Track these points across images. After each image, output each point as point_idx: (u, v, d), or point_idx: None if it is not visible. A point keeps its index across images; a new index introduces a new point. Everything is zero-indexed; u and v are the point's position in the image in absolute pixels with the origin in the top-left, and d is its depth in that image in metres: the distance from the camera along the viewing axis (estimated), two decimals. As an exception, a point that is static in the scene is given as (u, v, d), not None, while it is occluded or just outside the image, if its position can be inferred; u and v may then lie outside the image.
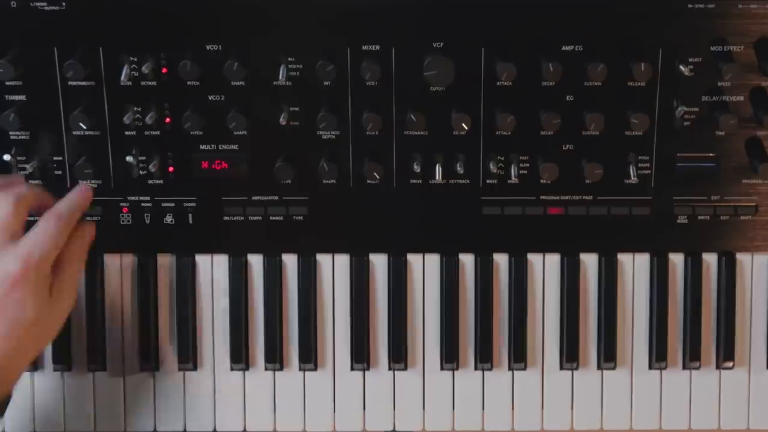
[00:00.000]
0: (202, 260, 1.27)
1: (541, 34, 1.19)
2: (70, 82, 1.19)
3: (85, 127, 1.19)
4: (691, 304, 1.27)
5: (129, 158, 1.22)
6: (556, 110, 1.19)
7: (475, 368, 1.28)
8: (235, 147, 1.22)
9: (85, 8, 1.18)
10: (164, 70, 1.20)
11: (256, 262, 1.27)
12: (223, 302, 1.27)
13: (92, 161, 1.21)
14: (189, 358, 1.27)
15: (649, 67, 1.16)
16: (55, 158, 1.22)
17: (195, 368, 1.28)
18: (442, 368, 1.28)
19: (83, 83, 1.20)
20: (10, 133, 1.21)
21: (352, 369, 1.28)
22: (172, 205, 1.24)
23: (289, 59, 1.19)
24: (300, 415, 1.29)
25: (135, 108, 1.21)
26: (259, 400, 1.28)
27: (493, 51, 1.19)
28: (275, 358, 1.27)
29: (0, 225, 1.08)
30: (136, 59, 1.19)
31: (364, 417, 1.29)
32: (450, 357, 1.27)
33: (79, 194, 1.18)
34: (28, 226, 1.12)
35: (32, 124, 1.21)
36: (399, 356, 1.27)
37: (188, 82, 1.19)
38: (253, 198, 1.24)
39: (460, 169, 1.22)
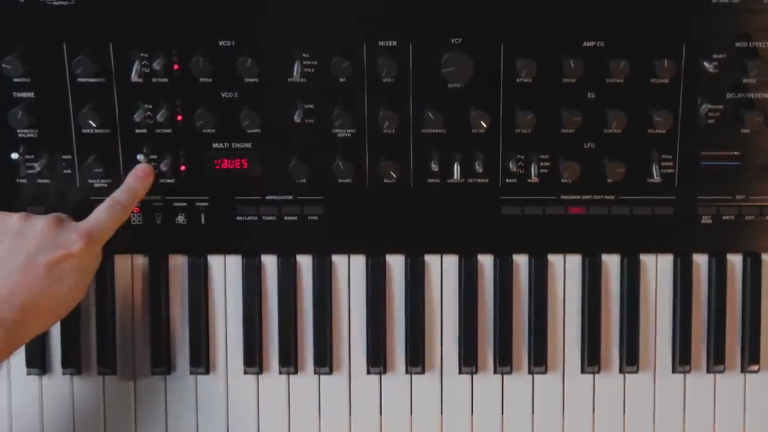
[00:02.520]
0: (214, 261, 1.26)
1: (562, 30, 1.18)
2: (79, 79, 1.18)
3: (94, 125, 1.18)
4: (715, 306, 1.26)
5: (140, 157, 1.21)
6: (577, 108, 1.18)
7: (495, 372, 1.27)
8: (248, 145, 1.21)
9: (95, 3, 1.16)
10: (176, 67, 1.18)
11: (269, 263, 1.25)
12: (236, 304, 1.26)
13: (102, 160, 1.20)
14: (201, 361, 1.25)
15: (673, 63, 1.15)
16: (63, 157, 1.21)
17: (207, 372, 1.26)
18: (460, 372, 1.27)
19: (93, 80, 1.18)
20: (18, 131, 1.19)
21: (369, 373, 1.27)
22: (184, 204, 1.23)
23: (304, 55, 1.18)
24: (315, 420, 1.27)
25: (146, 105, 1.19)
26: (272, 405, 1.27)
27: (513, 47, 1.18)
28: (290, 362, 1.26)
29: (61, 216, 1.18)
30: (146, 55, 1.18)
31: (380, 422, 1.27)
32: (469, 360, 1.25)
33: (136, 179, 1.19)
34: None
35: (41, 122, 1.19)
36: (416, 359, 1.26)
37: (200, 79, 1.18)
38: (267, 197, 1.23)
39: (478, 168, 1.21)
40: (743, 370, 1.27)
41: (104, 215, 1.15)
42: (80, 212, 1.20)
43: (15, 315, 1.08)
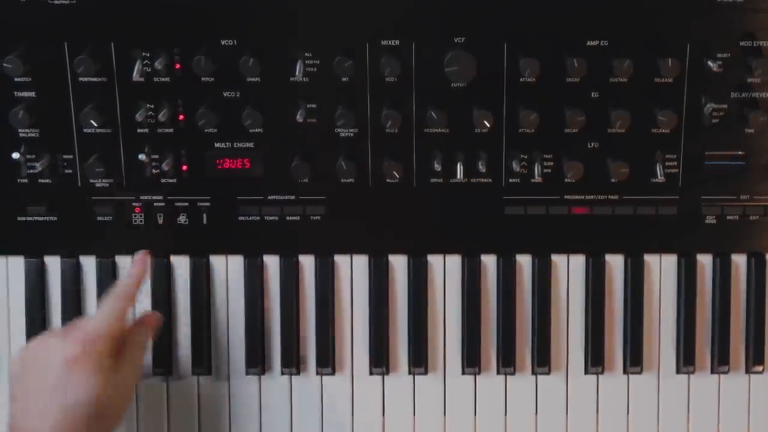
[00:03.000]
0: (216, 261, 1.25)
1: (566, 29, 1.17)
2: (80, 78, 1.17)
3: (96, 125, 1.17)
4: (719, 307, 1.25)
5: (141, 156, 1.20)
6: (581, 107, 1.17)
7: (498, 372, 1.26)
8: (250, 145, 1.20)
9: (96, 2, 1.16)
10: (178, 66, 1.18)
11: (272, 263, 1.25)
12: (238, 305, 1.25)
13: (104, 160, 1.19)
14: (203, 362, 1.25)
15: (677, 63, 1.15)
16: (65, 156, 1.20)
17: (210, 373, 1.26)
18: (463, 372, 1.26)
19: (94, 79, 1.17)
20: (20, 130, 1.19)
21: (371, 373, 1.26)
22: (186, 204, 1.22)
23: (306, 54, 1.17)
24: (317, 421, 1.27)
25: (147, 105, 1.19)
26: (275, 406, 1.26)
27: (516, 46, 1.17)
28: (292, 362, 1.25)
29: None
30: (148, 54, 1.17)
31: (383, 423, 1.27)
32: (472, 361, 1.25)
33: (134, 268, 1.18)
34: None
35: (42, 122, 1.19)
36: (419, 360, 1.25)
37: (202, 78, 1.17)
38: (269, 197, 1.22)
39: (482, 168, 1.20)
40: (748, 371, 1.26)
41: (100, 314, 1.12)
42: (81, 212, 1.20)
43: None
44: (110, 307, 1.13)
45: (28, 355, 1.09)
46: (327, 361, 1.25)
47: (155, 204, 1.22)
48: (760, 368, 1.26)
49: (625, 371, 1.26)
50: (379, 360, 1.25)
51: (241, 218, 1.22)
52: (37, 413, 1.05)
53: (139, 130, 1.19)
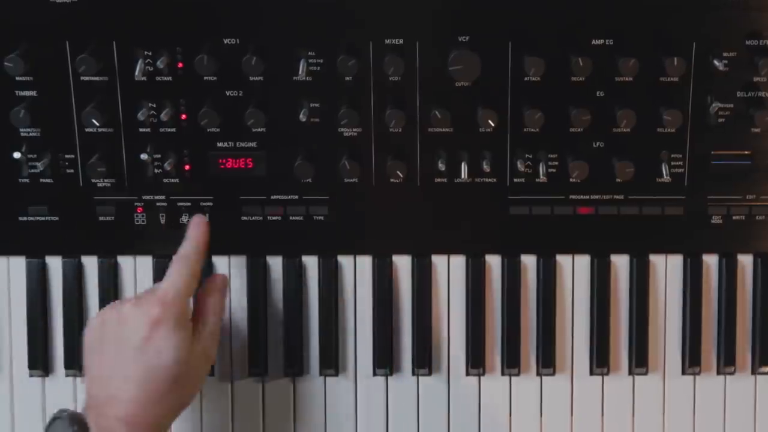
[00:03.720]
0: (219, 262, 1.24)
1: (571, 28, 1.16)
2: (82, 78, 1.17)
3: (98, 124, 1.17)
4: (725, 307, 1.25)
5: (143, 156, 1.20)
6: (586, 106, 1.16)
7: (502, 374, 1.26)
8: (253, 144, 1.20)
9: (98, 1, 1.15)
10: (180, 65, 1.17)
11: (275, 263, 1.24)
12: (240, 305, 1.24)
13: (105, 159, 1.19)
14: (205, 363, 1.24)
15: (683, 61, 1.14)
16: (66, 156, 1.20)
17: (212, 374, 1.25)
18: (467, 373, 1.26)
19: (96, 78, 1.17)
20: (21, 129, 1.18)
21: (375, 374, 1.26)
22: (189, 204, 1.22)
23: (310, 53, 1.17)
24: (320, 423, 1.26)
25: (150, 104, 1.18)
26: (277, 407, 1.26)
27: (521, 45, 1.17)
28: (295, 364, 1.24)
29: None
30: (150, 53, 1.16)
31: (386, 423, 1.26)
32: (476, 362, 1.24)
33: (195, 228, 1.16)
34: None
35: (43, 121, 1.18)
36: (423, 361, 1.24)
37: (205, 78, 1.17)
38: (272, 197, 1.21)
39: (486, 168, 1.20)
40: (754, 372, 1.26)
41: (174, 275, 1.11)
42: (82, 212, 1.20)
43: (149, 419, 1.06)
44: (180, 267, 1.12)
45: (104, 324, 1.09)
46: (330, 363, 1.24)
47: (157, 204, 1.21)
48: (766, 369, 1.25)
49: (630, 372, 1.25)
50: (383, 361, 1.24)
51: (243, 218, 1.22)
52: (119, 380, 1.06)
53: (141, 130, 1.19)
